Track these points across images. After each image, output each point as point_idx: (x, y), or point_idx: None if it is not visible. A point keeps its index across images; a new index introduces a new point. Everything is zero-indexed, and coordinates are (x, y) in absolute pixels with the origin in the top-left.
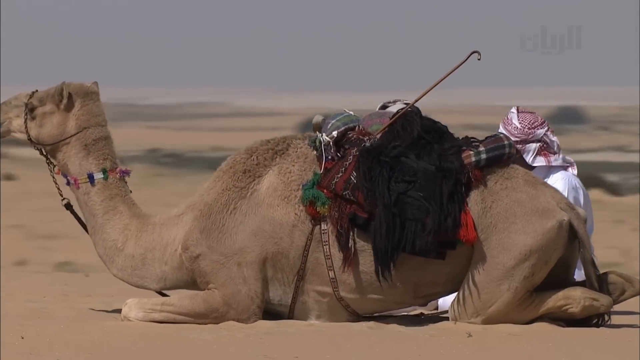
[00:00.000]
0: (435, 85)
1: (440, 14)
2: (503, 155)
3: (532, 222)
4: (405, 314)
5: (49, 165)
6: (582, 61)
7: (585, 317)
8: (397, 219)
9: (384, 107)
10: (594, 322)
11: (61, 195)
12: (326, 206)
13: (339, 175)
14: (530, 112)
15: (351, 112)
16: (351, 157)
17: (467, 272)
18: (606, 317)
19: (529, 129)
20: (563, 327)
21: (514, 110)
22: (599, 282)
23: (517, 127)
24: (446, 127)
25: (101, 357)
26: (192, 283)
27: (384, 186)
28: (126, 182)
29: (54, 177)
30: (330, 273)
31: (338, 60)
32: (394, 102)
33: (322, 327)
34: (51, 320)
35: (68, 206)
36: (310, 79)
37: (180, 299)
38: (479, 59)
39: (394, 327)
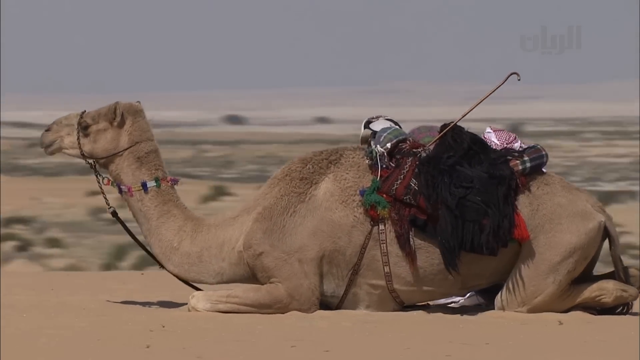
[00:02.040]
0: (477, 105)
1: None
2: (542, 163)
3: (576, 223)
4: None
5: (97, 177)
6: None
7: (614, 306)
8: (459, 221)
9: (368, 122)
10: (619, 310)
11: (108, 204)
12: (386, 209)
13: (398, 182)
14: (502, 130)
15: (398, 127)
16: (407, 165)
17: (514, 266)
18: (630, 306)
19: (507, 144)
20: (595, 315)
21: (489, 130)
22: (624, 275)
23: (497, 145)
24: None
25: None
26: (248, 277)
27: (446, 191)
28: (175, 190)
29: (101, 188)
30: (385, 268)
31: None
32: (377, 117)
33: (432, 316)
34: (102, 313)
35: (114, 214)
36: None
37: (245, 291)
38: (518, 80)
39: (478, 316)
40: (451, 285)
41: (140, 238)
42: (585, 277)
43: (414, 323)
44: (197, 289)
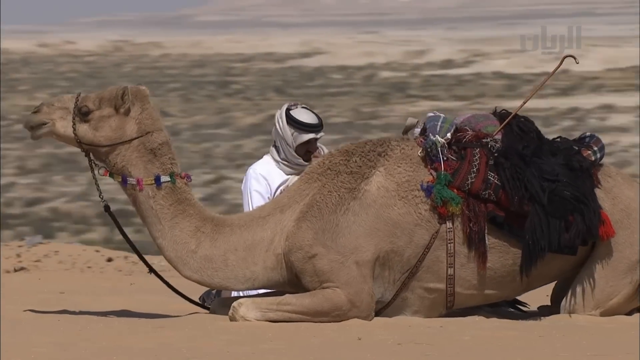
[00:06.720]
0: (536, 91)
1: None
2: (604, 154)
3: None
4: None
5: (91, 166)
6: None
7: None
8: (548, 218)
9: (288, 109)
10: None
11: (101, 197)
12: (459, 206)
13: (472, 176)
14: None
15: (442, 115)
16: (477, 157)
17: (585, 266)
18: None
19: None
20: None
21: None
22: None
23: None
24: None
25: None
26: (282, 283)
27: (537, 185)
28: (190, 187)
29: (95, 180)
30: (449, 270)
31: None
32: (295, 105)
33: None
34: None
35: (107, 208)
36: None
37: (298, 297)
38: (577, 62)
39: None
40: (516, 288)
41: (132, 236)
42: None
43: (581, 329)
44: (187, 298)
